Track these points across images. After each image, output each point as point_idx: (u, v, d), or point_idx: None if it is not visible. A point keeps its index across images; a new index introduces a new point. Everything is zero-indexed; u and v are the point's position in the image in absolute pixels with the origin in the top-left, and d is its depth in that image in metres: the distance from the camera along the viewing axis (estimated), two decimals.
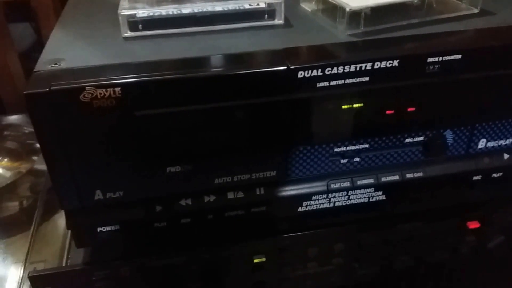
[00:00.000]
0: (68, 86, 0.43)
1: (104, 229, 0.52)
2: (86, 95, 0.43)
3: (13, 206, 0.88)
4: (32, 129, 0.93)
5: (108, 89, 0.43)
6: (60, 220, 0.81)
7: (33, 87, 0.43)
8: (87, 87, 0.43)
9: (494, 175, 0.60)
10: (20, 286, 0.69)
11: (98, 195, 0.49)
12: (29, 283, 0.56)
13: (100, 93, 0.43)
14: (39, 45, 1.14)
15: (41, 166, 0.92)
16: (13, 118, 1.06)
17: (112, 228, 0.52)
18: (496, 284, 0.78)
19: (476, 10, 0.59)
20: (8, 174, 0.90)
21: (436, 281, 0.74)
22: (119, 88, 0.43)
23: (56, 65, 0.46)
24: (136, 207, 0.52)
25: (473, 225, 0.64)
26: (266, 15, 0.56)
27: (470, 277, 0.76)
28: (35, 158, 0.93)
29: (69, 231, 0.60)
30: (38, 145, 0.93)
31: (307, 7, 0.61)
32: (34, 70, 0.46)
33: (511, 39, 0.53)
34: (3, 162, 0.93)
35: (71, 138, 0.45)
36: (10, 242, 0.81)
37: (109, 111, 0.44)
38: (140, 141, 0.47)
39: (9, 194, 0.88)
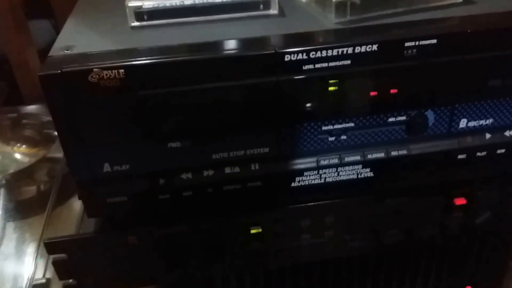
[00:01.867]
0: (77, 68, 0.48)
1: (113, 200, 0.57)
2: (93, 76, 0.48)
3: (31, 190, 0.93)
4: (49, 118, 0.99)
5: (113, 71, 0.48)
6: (75, 203, 0.86)
7: (46, 70, 0.48)
8: (94, 69, 0.48)
9: (478, 153, 0.63)
10: (35, 256, 0.74)
11: (107, 167, 0.54)
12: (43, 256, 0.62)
13: (106, 74, 0.48)
14: None
15: (58, 153, 0.97)
16: (31, 108, 1.10)
17: (120, 199, 0.57)
18: (485, 261, 0.82)
19: (459, 0, 0.62)
20: (26, 159, 0.95)
21: (428, 259, 0.78)
22: (122, 70, 0.49)
23: (68, 51, 0.52)
24: (141, 180, 0.56)
25: (460, 201, 0.67)
26: (262, 6, 0.60)
27: (459, 255, 0.80)
28: (51, 145, 0.98)
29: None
30: (55, 133, 0.99)
31: None
32: (48, 55, 0.51)
33: (484, 25, 0.57)
34: (21, 149, 0.98)
35: (81, 115, 0.51)
36: (28, 222, 0.86)
37: (114, 91, 0.49)
38: (143, 119, 0.52)
39: (27, 179, 0.93)
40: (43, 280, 0.74)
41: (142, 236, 0.61)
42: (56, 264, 0.60)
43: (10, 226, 0.85)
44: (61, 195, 0.88)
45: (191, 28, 0.58)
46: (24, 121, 1.06)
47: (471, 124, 0.62)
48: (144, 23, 0.58)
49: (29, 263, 0.77)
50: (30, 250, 0.80)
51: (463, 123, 0.62)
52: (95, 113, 0.51)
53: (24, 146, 0.98)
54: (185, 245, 0.62)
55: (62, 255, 0.60)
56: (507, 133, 0.63)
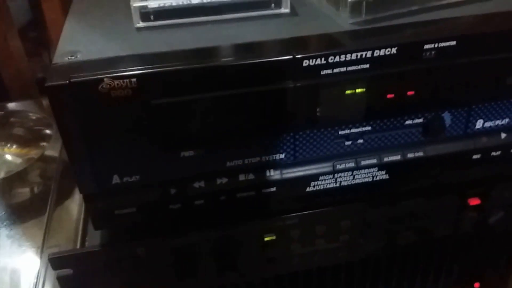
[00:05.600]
0: (87, 78, 0.45)
1: (121, 211, 0.54)
2: (104, 86, 0.45)
3: (24, 192, 0.89)
4: (37, 115, 0.96)
5: (125, 80, 0.45)
6: (72, 205, 0.83)
7: (53, 80, 0.45)
8: (105, 79, 0.45)
9: (493, 153, 0.62)
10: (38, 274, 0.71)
11: (116, 179, 0.52)
12: (48, 266, 0.59)
13: (118, 84, 0.45)
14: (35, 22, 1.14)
15: (51, 152, 0.94)
16: (17, 105, 1.07)
17: (129, 211, 0.54)
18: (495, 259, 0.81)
19: None
20: (18, 160, 0.92)
21: (439, 258, 0.77)
22: (135, 79, 0.46)
23: (73, 57, 0.49)
24: (152, 190, 0.54)
25: (474, 201, 0.67)
26: (273, 4, 0.58)
27: (472, 254, 0.79)
28: (44, 144, 0.95)
29: (85, 215, 0.63)
30: (46, 131, 0.96)
31: None
32: (52, 62, 0.48)
33: (501, 25, 0.55)
34: (12, 149, 0.94)
35: (90, 127, 0.48)
36: (24, 227, 0.82)
37: (126, 101, 0.46)
38: (155, 128, 0.50)
39: (19, 181, 0.90)
40: None
41: (151, 248, 0.58)
42: (61, 280, 0.57)
43: (3, 232, 0.81)
44: (59, 195, 0.85)
45: (200, 29, 0.55)
46: (12, 119, 1.02)
47: (487, 124, 0.61)
48: (150, 23, 0.55)
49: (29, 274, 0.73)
50: (28, 259, 0.76)
51: (479, 123, 0.60)
52: (105, 123, 0.48)
53: (14, 146, 0.95)
54: (196, 255, 0.60)
55: (68, 270, 0.57)
56: None
